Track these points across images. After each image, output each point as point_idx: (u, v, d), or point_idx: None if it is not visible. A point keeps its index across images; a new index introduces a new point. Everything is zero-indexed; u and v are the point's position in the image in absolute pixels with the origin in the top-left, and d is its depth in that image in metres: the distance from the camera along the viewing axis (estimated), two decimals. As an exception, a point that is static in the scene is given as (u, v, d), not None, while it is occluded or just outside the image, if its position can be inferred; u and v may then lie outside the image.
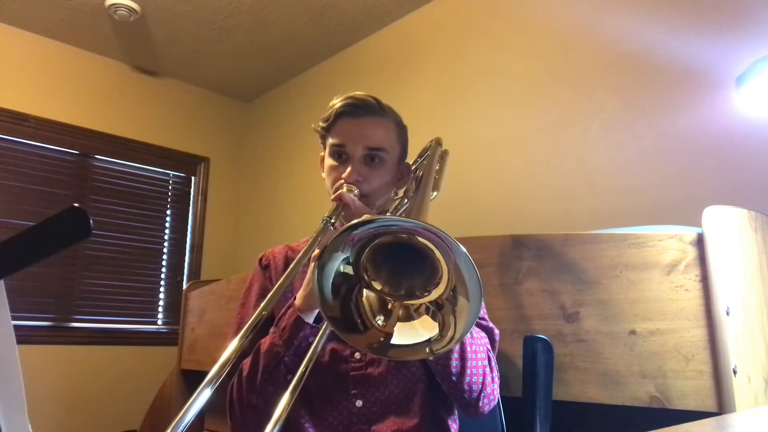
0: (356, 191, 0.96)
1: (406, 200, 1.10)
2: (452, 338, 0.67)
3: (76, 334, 3.03)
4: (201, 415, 2.49)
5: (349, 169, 1.00)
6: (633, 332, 1.16)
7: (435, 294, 0.70)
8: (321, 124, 1.07)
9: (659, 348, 1.13)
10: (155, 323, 3.36)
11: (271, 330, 0.93)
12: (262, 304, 0.73)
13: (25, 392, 0.53)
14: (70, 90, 3.16)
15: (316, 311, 0.90)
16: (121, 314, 3.22)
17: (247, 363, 0.94)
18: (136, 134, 3.36)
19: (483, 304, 1.08)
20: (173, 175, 3.56)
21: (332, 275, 0.69)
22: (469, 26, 2.51)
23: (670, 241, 1.16)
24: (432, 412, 0.98)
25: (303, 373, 0.75)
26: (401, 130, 1.09)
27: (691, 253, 1.14)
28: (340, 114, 1.03)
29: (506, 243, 1.35)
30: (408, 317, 0.71)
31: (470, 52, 2.47)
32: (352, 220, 0.89)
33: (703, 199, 1.31)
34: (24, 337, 2.75)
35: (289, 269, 0.78)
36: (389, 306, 0.72)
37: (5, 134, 2.92)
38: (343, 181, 0.99)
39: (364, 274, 0.71)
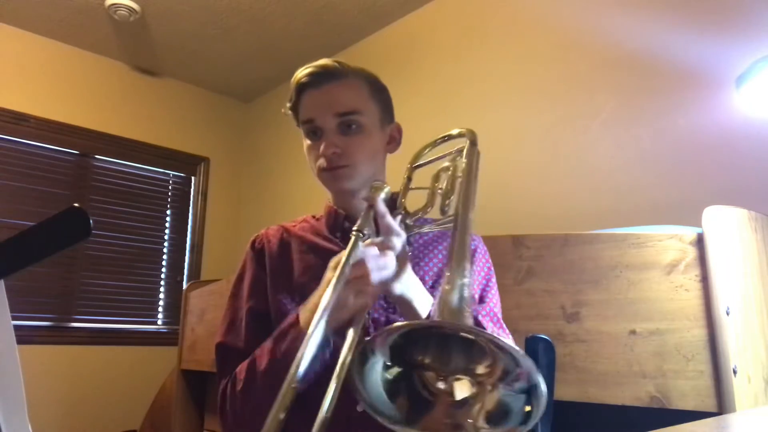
0: (386, 188, 0.82)
1: (429, 208, 0.92)
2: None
3: (76, 334, 3.03)
4: (201, 415, 2.49)
5: (323, 144, 0.91)
6: (633, 332, 1.16)
7: (479, 370, 0.61)
8: (288, 104, 0.99)
9: (659, 348, 1.13)
10: (155, 323, 3.36)
11: (268, 347, 0.84)
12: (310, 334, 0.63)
13: (25, 392, 0.53)
14: (70, 90, 3.16)
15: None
16: (121, 314, 3.22)
17: (242, 374, 0.87)
18: (136, 134, 3.36)
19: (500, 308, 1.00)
20: (173, 175, 3.56)
21: (383, 389, 0.60)
22: (469, 26, 2.51)
23: (670, 241, 1.16)
24: None
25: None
26: (375, 88, 0.98)
27: (691, 253, 1.14)
28: (302, 87, 0.95)
29: (506, 243, 1.35)
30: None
31: (470, 53, 2.47)
32: (385, 232, 0.77)
33: (703, 199, 1.31)
34: (24, 337, 2.75)
35: (330, 291, 0.67)
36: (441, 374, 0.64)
37: (5, 134, 2.92)
38: (321, 156, 0.91)
39: (413, 361, 0.61)
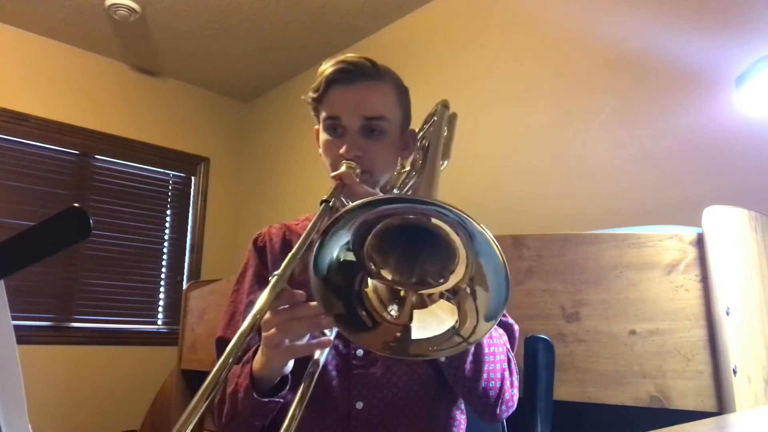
0: (358, 170, 0.85)
1: (414, 173, 0.98)
2: (475, 329, 0.57)
3: (76, 334, 3.03)
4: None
5: (345, 145, 0.89)
6: (633, 332, 1.17)
7: (452, 281, 0.59)
8: (311, 94, 0.95)
9: (659, 348, 1.13)
10: (155, 323, 3.36)
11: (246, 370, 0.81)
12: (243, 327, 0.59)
13: (25, 392, 0.53)
14: (70, 90, 3.15)
15: (281, 375, 0.78)
16: (121, 314, 3.22)
17: (233, 378, 0.86)
18: (136, 134, 3.36)
19: None
20: (173, 175, 3.56)
21: (331, 266, 0.59)
22: (469, 26, 2.51)
23: (670, 241, 1.16)
24: (439, 416, 0.91)
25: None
26: (401, 94, 0.97)
27: (691, 253, 1.14)
28: (331, 81, 0.92)
29: (506, 243, 1.35)
30: (423, 304, 0.60)
31: (470, 52, 2.47)
32: (353, 202, 0.83)
33: (703, 199, 1.31)
34: (24, 337, 2.75)
35: (285, 261, 0.65)
36: (401, 293, 0.61)
37: (5, 134, 2.92)
38: (343, 158, 0.89)
39: (370, 264, 0.61)
